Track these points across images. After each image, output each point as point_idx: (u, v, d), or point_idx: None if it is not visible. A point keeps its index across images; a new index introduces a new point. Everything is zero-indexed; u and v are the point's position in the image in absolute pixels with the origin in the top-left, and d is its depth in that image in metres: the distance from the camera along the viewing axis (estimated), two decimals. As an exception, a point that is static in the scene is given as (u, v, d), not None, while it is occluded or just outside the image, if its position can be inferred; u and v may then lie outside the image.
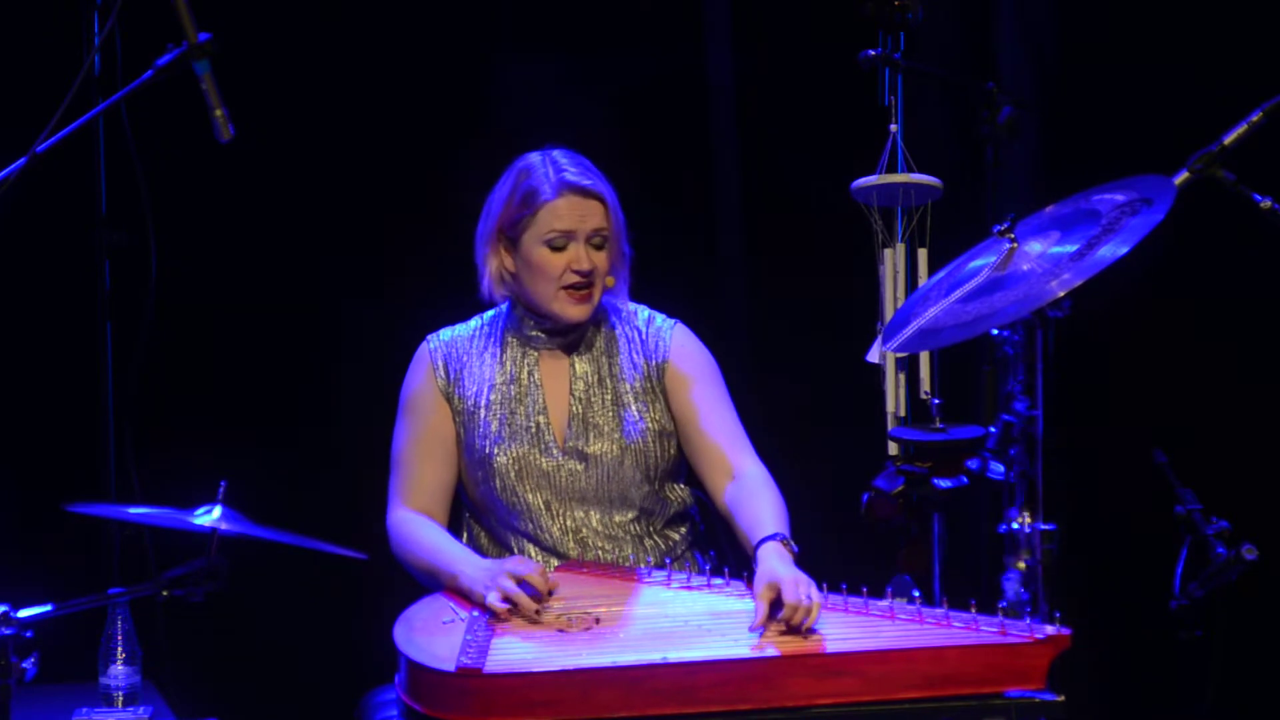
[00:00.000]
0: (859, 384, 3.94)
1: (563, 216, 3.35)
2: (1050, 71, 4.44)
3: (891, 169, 3.86)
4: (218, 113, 2.80)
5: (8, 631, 2.73)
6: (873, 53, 3.81)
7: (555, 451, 3.39)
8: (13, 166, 2.79)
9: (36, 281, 4.31)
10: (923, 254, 3.87)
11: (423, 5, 4.45)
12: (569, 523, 3.39)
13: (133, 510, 3.20)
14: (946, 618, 2.88)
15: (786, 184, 4.48)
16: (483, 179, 3.48)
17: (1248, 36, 4.31)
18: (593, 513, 3.39)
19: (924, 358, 3.85)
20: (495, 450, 3.38)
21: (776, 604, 2.92)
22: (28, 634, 2.75)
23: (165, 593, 2.88)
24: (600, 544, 3.37)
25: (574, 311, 3.38)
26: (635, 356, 3.45)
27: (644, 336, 3.47)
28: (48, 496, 3.50)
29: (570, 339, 3.45)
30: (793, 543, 3.14)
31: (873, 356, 3.89)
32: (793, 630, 2.87)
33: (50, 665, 2.85)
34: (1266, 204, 3.17)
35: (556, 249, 3.36)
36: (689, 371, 3.44)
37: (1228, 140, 3.16)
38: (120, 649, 3.34)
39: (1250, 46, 4.28)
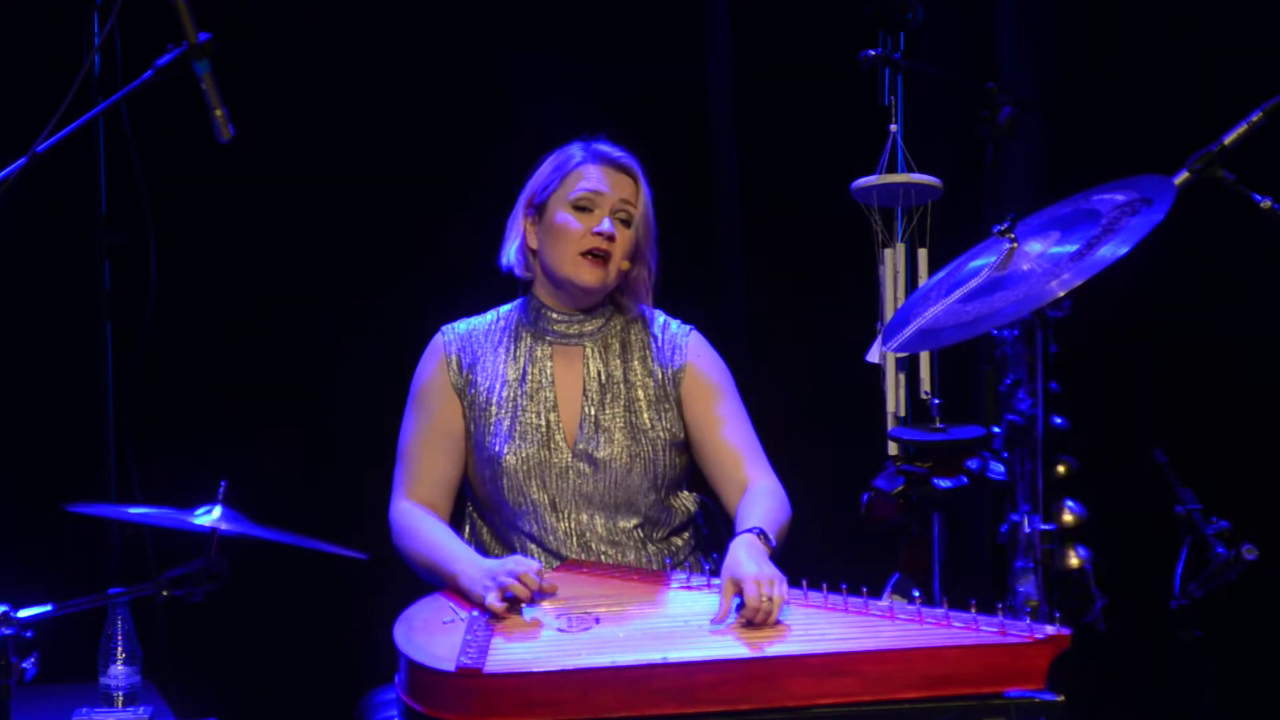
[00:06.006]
0: (859, 384, 3.93)
1: (591, 178, 3.35)
2: (1050, 71, 4.44)
3: (891, 169, 3.86)
4: (218, 113, 2.80)
5: (8, 631, 2.73)
6: (873, 53, 3.81)
7: (565, 453, 3.38)
8: (13, 166, 2.79)
9: (36, 281, 4.30)
10: (923, 254, 3.87)
11: (424, 7, 4.45)
12: (573, 525, 3.38)
13: (133, 510, 3.19)
14: (946, 618, 2.88)
15: (786, 184, 4.48)
16: (481, 179, 3.48)
17: (1248, 36, 4.30)
18: (597, 517, 3.38)
19: (924, 358, 3.85)
20: (505, 449, 3.37)
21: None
22: (28, 634, 2.75)
23: (165, 593, 2.88)
24: (603, 548, 3.37)
25: (589, 276, 3.34)
26: (651, 363, 3.43)
27: (660, 343, 3.45)
28: (48, 496, 3.50)
29: (586, 334, 3.43)
30: (772, 537, 3.13)
31: (873, 356, 3.89)
32: (753, 627, 2.88)
33: (50, 665, 2.85)
34: (1266, 204, 3.17)
35: (581, 209, 3.35)
36: (707, 381, 3.43)
37: (1228, 140, 3.16)
38: (120, 649, 3.34)
39: (1250, 46, 4.28)
